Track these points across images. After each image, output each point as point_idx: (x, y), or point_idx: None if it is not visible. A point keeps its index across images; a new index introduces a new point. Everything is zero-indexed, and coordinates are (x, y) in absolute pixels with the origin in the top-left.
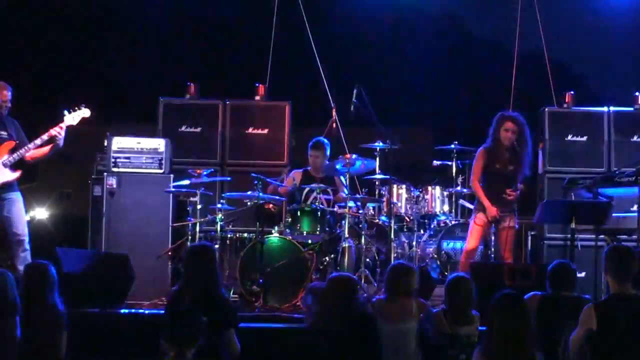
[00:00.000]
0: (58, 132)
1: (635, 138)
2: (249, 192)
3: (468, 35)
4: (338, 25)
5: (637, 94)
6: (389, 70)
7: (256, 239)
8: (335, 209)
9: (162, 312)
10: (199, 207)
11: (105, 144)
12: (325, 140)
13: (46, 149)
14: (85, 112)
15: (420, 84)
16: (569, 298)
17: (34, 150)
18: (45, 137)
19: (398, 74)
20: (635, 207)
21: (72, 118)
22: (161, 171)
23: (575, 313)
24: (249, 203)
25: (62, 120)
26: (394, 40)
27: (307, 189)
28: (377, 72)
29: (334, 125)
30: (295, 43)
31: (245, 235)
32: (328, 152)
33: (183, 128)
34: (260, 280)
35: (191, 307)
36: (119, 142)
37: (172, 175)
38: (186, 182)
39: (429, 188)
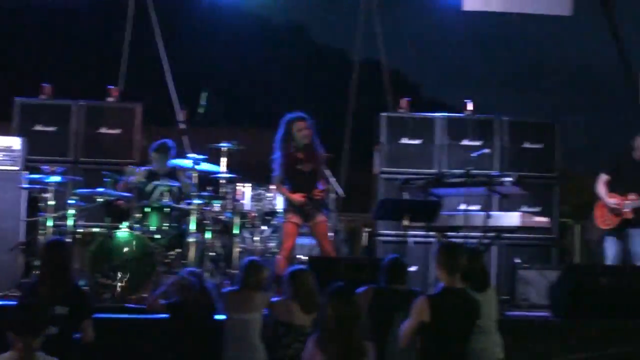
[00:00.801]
0: None
1: (465, 142)
2: (99, 189)
3: (311, 43)
4: (190, 31)
5: (467, 101)
6: (237, 74)
7: (106, 234)
8: (182, 206)
9: (12, 303)
10: (52, 203)
11: None
12: (169, 142)
13: None
14: None
15: (265, 87)
16: (400, 291)
17: None
18: None
19: (245, 78)
20: (463, 206)
21: None
22: (16, 168)
23: (406, 305)
24: (99, 199)
25: None
26: (242, 46)
27: (152, 185)
28: (226, 76)
29: (183, 125)
30: (147, 47)
31: (96, 230)
32: (172, 153)
33: (38, 127)
34: (109, 273)
35: (43, 299)
36: None
37: (26, 172)
38: (39, 178)
39: (272, 186)
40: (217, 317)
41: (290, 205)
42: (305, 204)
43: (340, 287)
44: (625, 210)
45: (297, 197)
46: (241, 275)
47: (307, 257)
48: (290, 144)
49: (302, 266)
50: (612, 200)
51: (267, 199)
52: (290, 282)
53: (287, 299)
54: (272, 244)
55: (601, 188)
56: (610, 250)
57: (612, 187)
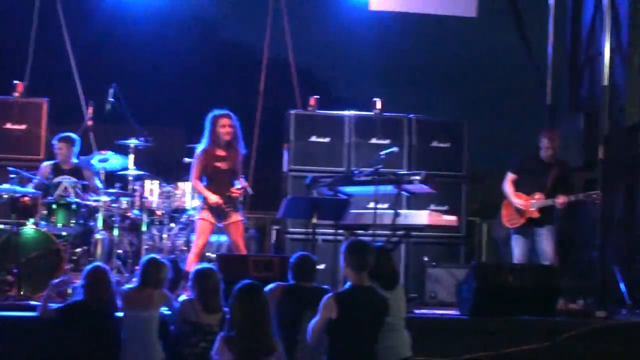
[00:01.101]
0: None
1: (373, 140)
2: (4, 185)
3: (219, 38)
4: (96, 26)
5: (375, 99)
6: (144, 70)
7: (11, 231)
8: (89, 202)
9: None
10: None
11: None
12: (73, 135)
13: None
14: None
15: (173, 84)
16: (309, 289)
17: None
18: None
19: (153, 74)
20: (371, 205)
21: None
22: None
23: (315, 303)
24: (5, 196)
25: None
26: (149, 41)
27: (57, 181)
28: (133, 72)
29: (90, 122)
30: (54, 42)
31: (1, 227)
32: (76, 146)
33: None
34: (15, 270)
35: None
36: None
37: None
38: None
39: (180, 184)
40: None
41: (206, 203)
42: (222, 204)
43: (248, 285)
44: (531, 209)
45: (214, 198)
46: (140, 273)
47: (215, 255)
48: (212, 139)
49: (208, 265)
50: (518, 201)
51: (176, 196)
52: (195, 281)
53: (192, 298)
54: (180, 242)
55: (508, 187)
56: (517, 248)
57: (518, 186)
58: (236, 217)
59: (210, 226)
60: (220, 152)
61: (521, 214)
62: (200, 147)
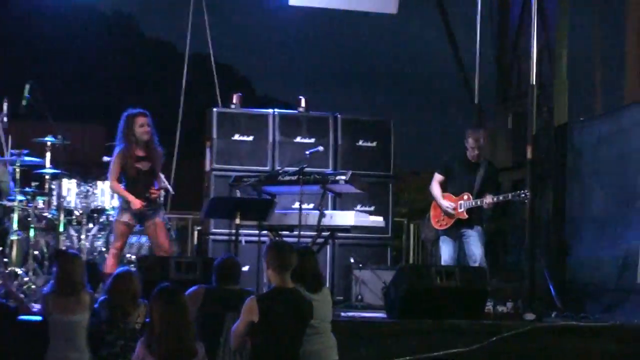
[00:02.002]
0: None
1: (298, 139)
2: None
3: (139, 35)
4: (12, 22)
5: (300, 97)
6: (62, 67)
7: None
8: (4, 202)
9: None
10: None
11: None
12: None
13: None
14: None
15: (92, 81)
16: (232, 291)
17: None
18: None
19: (71, 71)
20: (296, 205)
21: None
22: None
23: (238, 305)
24: None
25: None
26: (68, 37)
27: None
28: (51, 68)
29: (4, 119)
30: None
31: None
32: None
33: None
34: None
35: None
36: None
37: None
38: None
39: (99, 183)
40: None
41: (125, 204)
42: (143, 207)
43: (166, 287)
44: (459, 210)
45: (137, 203)
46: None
47: (135, 257)
48: (130, 140)
49: (127, 268)
50: (445, 203)
51: (95, 195)
52: (113, 284)
53: (110, 300)
54: (99, 242)
55: (435, 188)
56: (445, 250)
57: (446, 187)
58: (157, 219)
59: (130, 228)
60: (140, 153)
61: (449, 215)
62: (118, 148)
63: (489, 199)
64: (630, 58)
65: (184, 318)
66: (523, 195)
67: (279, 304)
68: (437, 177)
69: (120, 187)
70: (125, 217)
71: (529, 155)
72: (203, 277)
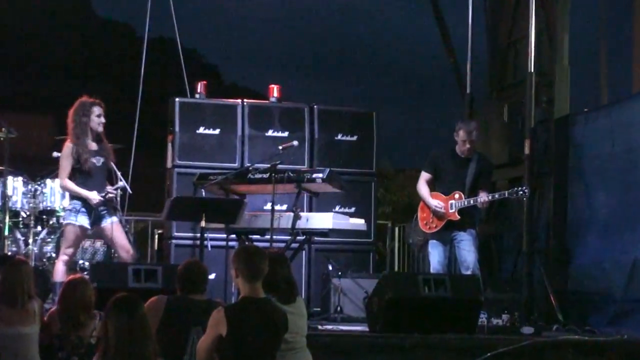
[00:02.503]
0: None
1: (270, 132)
2: None
3: (96, 17)
4: None
5: (273, 86)
6: (6, 51)
7: None
8: None
9: None
10: None
11: None
12: None
13: None
14: None
15: (37, 65)
16: (198, 301)
17: None
18: None
19: (16, 57)
20: (268, 206)
21: None
22: None
23: (205, 317)
24: None
25: None
26: (14, 18)
27: None
28: None
29: None
30: None
31: None
32: None
33: None
34: None
35: None
36: None
37: None
38: None
39: (49, 181)
40: None
41: (77, 205)
42: (99, 204)
43: (122, 298)
44: (450, 211)
45: (96, 196)
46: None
47: (89, 264)
48: (85, 131)
49: (80, 275)
50: (435, 202)
51: (43, 195)
52: (64, 293)
53: (60, 311)
54: (48, 247)
55: (423, 188)
56: (434, 256)
57: (434, 186)
58: (113, 219)
59: (83, 231)
60: (93, 146)
61: (439, 216)
62: (69, 141)
63: (483, 197)
64: (638, 42)
65: (144, 332)
66: (522, 192)
67: (249, 315)
68: (424, 176)
69: (72, 184)
70: (78, 219)
71: (526, 150)
72: (165, 286)
